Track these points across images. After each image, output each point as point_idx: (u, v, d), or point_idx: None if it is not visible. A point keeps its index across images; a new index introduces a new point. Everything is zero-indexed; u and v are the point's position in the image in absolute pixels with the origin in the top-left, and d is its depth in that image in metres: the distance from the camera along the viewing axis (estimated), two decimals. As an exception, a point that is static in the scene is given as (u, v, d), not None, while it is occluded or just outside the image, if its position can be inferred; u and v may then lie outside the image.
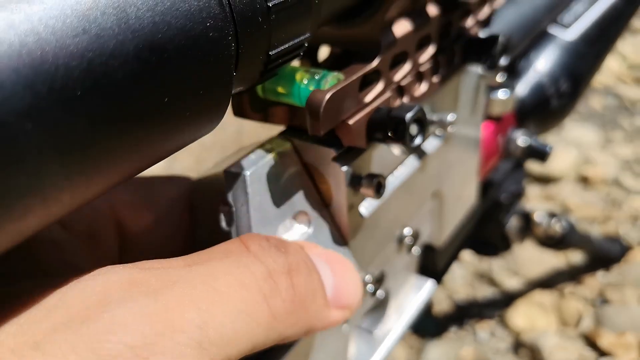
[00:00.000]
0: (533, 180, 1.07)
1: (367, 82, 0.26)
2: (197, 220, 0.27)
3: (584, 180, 1.07)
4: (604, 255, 0.88)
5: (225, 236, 0.24)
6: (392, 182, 0.30)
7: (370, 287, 0.31)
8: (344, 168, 0.26)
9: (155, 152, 0.17)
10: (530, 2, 0.53)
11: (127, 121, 0.14)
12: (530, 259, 0.90)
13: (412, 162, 0.31)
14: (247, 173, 0.23)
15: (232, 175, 0.23)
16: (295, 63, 0.24)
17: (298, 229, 0.26)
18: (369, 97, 0.26)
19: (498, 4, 0.35)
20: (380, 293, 0.32)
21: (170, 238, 0.26)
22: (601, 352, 0.77)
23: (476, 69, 0.35)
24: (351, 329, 0.31)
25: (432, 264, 0.39)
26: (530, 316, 0.82)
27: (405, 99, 0.29)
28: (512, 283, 0.88)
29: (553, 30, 0.55)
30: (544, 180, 1.07)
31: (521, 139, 0.49)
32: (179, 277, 0.18)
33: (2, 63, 0.11)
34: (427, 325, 0.83)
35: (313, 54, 0.28)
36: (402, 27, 0.27)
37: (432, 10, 0.29)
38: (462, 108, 0.36)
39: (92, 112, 0.13)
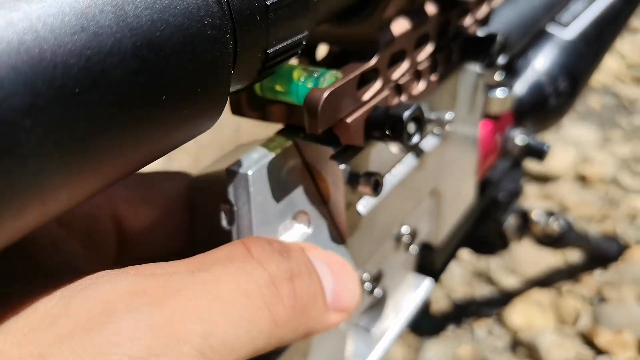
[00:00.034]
0: (531, 178, 1.07)
1: (365, 80, 0.26)
2: (197, 217, 0.27)
3: (582, 179, 1.08)
4: (602, 253, 0.88)
5: (226, 235, 0.24)
6: (390, 180, 0.30)
7: (367, 285, 0.31)
8: (342, 166, 0.26)
9: (153, 149, 0.17)
10: (528, 0, 0.53)
11: (125, 118, 0.14)
12: (528, 258, 0.90)
13: (409, 160, 0.31)
14: (250, 172, 0.23)
15: (234, 174, 0.23)
16: (294, 61, 0.24)
17: (298, 228, 0.26)
18: (367, 96, 0.26)
19: (496, 3, 0.35)
20: (377, 291, 0.32)
21: (169, 235, 0.26)
22: (598, 350, 0.77)
23: (474, 68, 0.36)
24: (349, 327, 0.31)
25: (430, 262, 0.39)
26: (528, 314, 0.82)
27: (403, 98, 0.29)
28: (509, 281, 0.88)
29: (551, 29, 0.55)
30: (542, 179, 1.07)
31: (519, 138, 0.49)
32: (182, 285, 0.18)
33: (1, 61, 0.11)
34: (425, 324, 0.83)
35: (311, 52, 0.28)
36: (400, 26, 0.27)
37: (430, 8, 0.29)
38: (460, 106, 0.36)
39: (91, 110, 0.13)
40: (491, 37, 0.33)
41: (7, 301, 0.17)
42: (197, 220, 0.26)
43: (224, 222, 0.24)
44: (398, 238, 0.33)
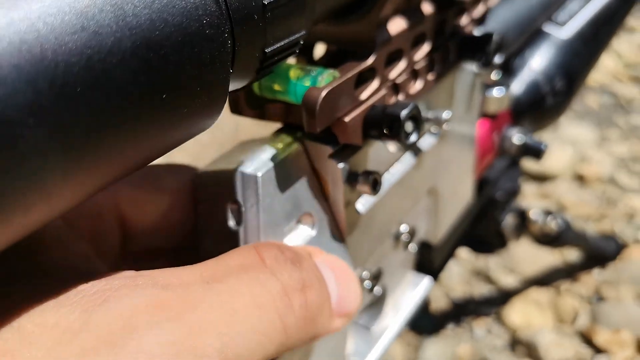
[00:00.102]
0: (529, 178, 1.07)
1: (362, 79, 0.26)
2: (200, 212, 0.26)
3: (580, 178, 1.08)
4: (600, 253, 0.88)
5: (232, 236, 0.24)
6: (388, 179, 0.30)
7: (367, 283, 0.31)
8: (341, 165, 0.26)
9: (154, 147, 0.17)
10: (525, 0, 0.53)
11: (126, 117, 0.14)
12: (526, 257, 0.91)
13: (407, 159, 0.32)
14: (259, 174, 0.23)
15: (243, 175, 0.23)
16: (291, 61, 0.25)
17: (302, 230, 0.26)
18: (364, 95, 0.26)
19: (493, 2, 0.36)
20: (377, 289, 0.32)
21: (172, 229, 0.26)
22: (597, 349, 0.77)
23: (471, 67, 0.36)
24: (349, 325, 0.31)
25: (429, 261, 0.39)
26: (527, 313, 0.82)
27: (401, 97, 0.29)
28: (508, 280, 0.88)
29: (548, 28, 0.56)
30: (540, 178, 1.07)
31: (516, 137, 0.49)
32: (199, 298, 0.19)
33: (3, 60, 0.12)
34: (424, 323, 0.83)
35: (309, 51, 0.29)
36: (397, 25, 0.27)
37: (427, 8, 0.29)
38: (458, 105, 0.36)
39: (93, 108, 0.13)
40: (488, 37, 0.33)
41: (19, 302, 0.17)
42: (200, 215, 0.26)
43: (231, 222, 0.24)
44: (397, 236, 0.33)
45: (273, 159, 0.24)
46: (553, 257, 0.91)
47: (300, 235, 0.26)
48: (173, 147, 0.18)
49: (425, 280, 0.37)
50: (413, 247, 0.35)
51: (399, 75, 0.28)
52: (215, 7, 0.16)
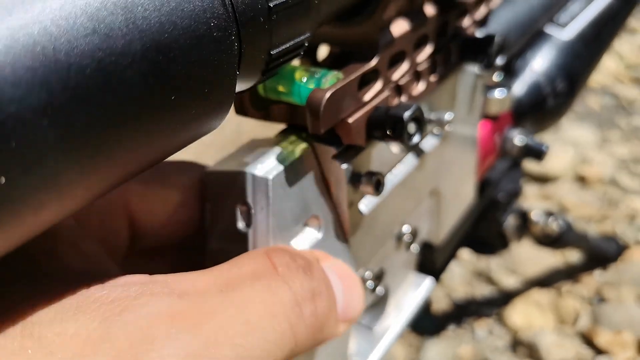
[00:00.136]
0: (530, 179, 1.07)
1: (365, 81, 0.26)
2: (209, 212, 0.26)
3: (581, 180, 1.08)
4: (601, 254, 0.88)
5: (241, 237, 0.25)
6: (391, 179, 0.30)
7: (370, 283, 0.31)
8: (344, 166, 0.26)
9: (164, 148, 0.17)
10: (526, 1, 0.53)
11: (136, 119, 0.15)
12: (528, 258, 0.91)
13: (410, 160, 0.32)
14: (270, 177, 0.23)
15: (254, 177, 0.23)
16: (295, 62, 0.25)
17: (309, 233, 0.26)
18: (367, 96, 0.26)
19: (494, 4, 0.36)
20: (379, 290, 0.32)
21: (180, 227, 0.26)
22: (598, 350, 0.77)
23: (473, 69, 0.36)
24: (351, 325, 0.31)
25: (431, 261, 0.40)
26: (528, 314, 0.83)
27: (404, 98, 0.29)
28: (509, 281, 0.88)
29: (549, 29, 0.56)
30: (541, 179, 1.07)
31: (518, 138, 0.49)
32: (215, 309, 0.19)
33: (17, 62, 0.12)
34: (426, 324, 0.84)
35: (312, 53, 0.29)
36: (399, 27, 0.28)
37: (429, 10, 0.30)
38: (460, 107, 0.36)
39: (104, 110, 0.14)
40: (489, 38, 0.33)
41: (34, 303, 0.17)
42: (207, 213, 0.26)
43: (240, 224, 0.24)
44: (399, 237, 0.33)
45: (283, 161, 0.24)
46: (554, 258, 0.91)
47: (307, 238, 0.26)
48: (181, 148, 0.18)
49: (427, 281, 0.37)
50: (415, 247, 0.35)
51: (402, 76, 0.29)
52: (223, 10, 0.16)
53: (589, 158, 1.13)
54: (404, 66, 0.29)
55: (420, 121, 0.26)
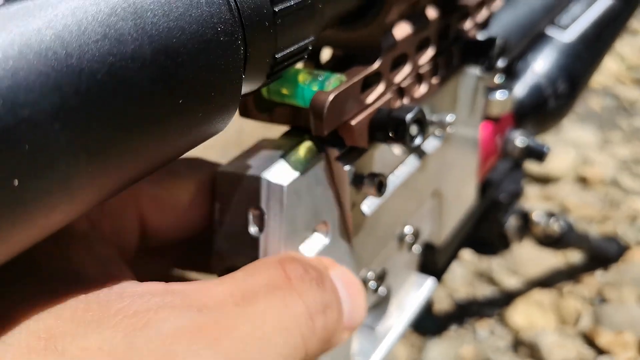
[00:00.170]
0: (532, 180, 1.07)
1: (368, 83, 0.27)
2: (219, 212, 0.26)
3: (583, 181, 1.08)
4: (602, 254, 0.88)
5: (252, 242, 0.25)
6: (393, 181, 0.31)
7: (372, 283, 0.31)
8: (347, 167, 0.26)
9: (171, 150, 0.17)
10: (527, 4, 0.54)
11: (145, 122, 0.15)
12: (529, 258, 0.91)
13: (412, 161, 0.32)
14: (285, 185, 0.23)
15: (269, 184, 0.24)
16: (299, 65, 0.25)
17: (317, 238, 0.27)
18: (370, 99, 0.27)
19: (496, 7, 0.36)
20: (382, 290, 0.32)
21: (190, 225, 0.27)
22: (599, 351, 0.77)
23: (474, 71, 0.36)
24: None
25: (432, 262, 0.40)
26: (530, 315, 0.83)
27: (406, 100, 0.29)
28: (511, 282, 0.89)
29: (550, 31, 0.56)
30: (543, 180, 1.08)
31: (519, 140, 0.50)
32: (232, 324, 0.19)
33: (31, 67, 0.12)
34: (428, 324, 0.84)
35: (316, 56, 0.29)
36: (402, 30, 0.28)
37: (431, 13, 0.30)
38: (461, 109, 0.36)
39: (115, 113, 0.14)
40: (491, 41, 0.33)
41: (51, 305, 0.17)
42: (217, 213, 0.26)
43: (252, 229, 0.25)
44: (401, 238, 0.34)
45: (298, 167, 0.24)
46: (556, 258, 0.91)
47: (315, 244, 0.26)
48: (188, 150, 0.18)
49: (429, 281, 0.38)
50: (417, 248, 0.36)
51: (404, 79, 0.29)
52: (229, 15, 0.17)
53: (590, 159, 1.13)
54: (406, 69, 0.29)
55: (422, 123, 0.26)
